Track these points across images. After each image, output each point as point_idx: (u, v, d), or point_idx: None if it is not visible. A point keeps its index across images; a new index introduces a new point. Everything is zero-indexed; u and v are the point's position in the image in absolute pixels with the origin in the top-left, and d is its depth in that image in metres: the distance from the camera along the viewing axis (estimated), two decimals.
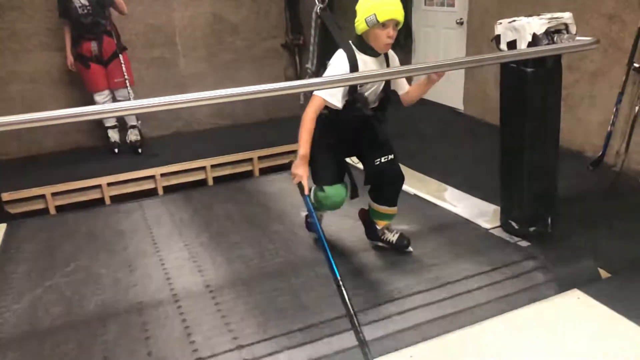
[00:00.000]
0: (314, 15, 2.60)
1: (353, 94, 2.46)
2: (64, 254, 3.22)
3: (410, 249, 2.88)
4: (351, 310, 2.04)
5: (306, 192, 2.32)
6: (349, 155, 2.74)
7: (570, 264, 2.75)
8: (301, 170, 2.33)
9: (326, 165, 2.57)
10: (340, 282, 2.10)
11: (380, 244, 2.93)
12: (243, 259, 3.01)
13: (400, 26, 2.39)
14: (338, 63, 2.42)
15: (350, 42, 2.45)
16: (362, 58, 2.43)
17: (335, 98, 2.42)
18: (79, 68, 4.68)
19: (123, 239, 3.39)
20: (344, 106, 2.48)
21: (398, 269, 2.76)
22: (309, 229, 2.99)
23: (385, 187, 2.77)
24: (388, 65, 2.53)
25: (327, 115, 2.51)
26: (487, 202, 3.45)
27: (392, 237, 2.88)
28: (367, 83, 2.45)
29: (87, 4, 4.49)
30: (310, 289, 2.61)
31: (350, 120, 2.54)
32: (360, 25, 2.36)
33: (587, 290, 2.52)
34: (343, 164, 2.66)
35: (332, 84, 2.34)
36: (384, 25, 2.32)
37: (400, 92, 2.63)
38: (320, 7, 2.54)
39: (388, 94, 2.58)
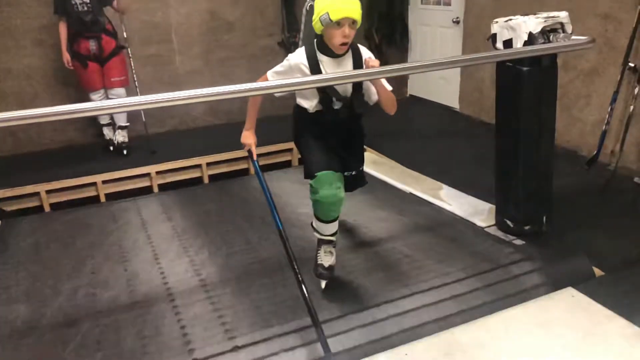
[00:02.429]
0: (304, 11, 2.57)
1: (323, 90, 2.38)
2: (58, 251, 3.21)
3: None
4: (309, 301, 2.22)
5: (254, 157, 2.62)
6: (338, 150, 2.56)
7: (564, 263, 2.76)
8: (249, 139, 2.62)
9: (315, 154, 2.45)
10: (284, 235, 2.33)
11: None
12: (238, 256, 3.01)
13: (358, 25, 2.27)
14: (289, 58, 2.38)
15: (315, 41, 2.38)
16: (320, 58, 2.34)
17: (274, 78, 2.40)
18: (76, 67, 4.62)
19: (118, 236, 3.38)
20: (321, 102, 2.42)
21: (392, 267, 2.76)
22: (317, 275, 2.58)
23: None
24: (358, 66, 2.38)
25: (306, 111, 2.47)
26: (483, 201, 3.46)
27: None
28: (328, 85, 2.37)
29: (87, 0, 4.44)
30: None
31: (326, 120, 2.45)
32: (316, 24, 2.27)
33: (581, 289, 2.54)
34: (336, 155, 2.49)
35: (318, 83, 2.31)
36: (338, 24, 2.21)
37: (374, 98, 2.47)
38: (310, 4, 2.50)
39: (357, 97, 2.43)
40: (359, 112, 2.47)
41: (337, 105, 2.40)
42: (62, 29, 4.55)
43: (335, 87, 2.37)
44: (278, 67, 2.41)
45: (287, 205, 3.59)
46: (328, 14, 2.19)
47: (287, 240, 2.42)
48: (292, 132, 2.64)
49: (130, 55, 4.77)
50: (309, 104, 2.43)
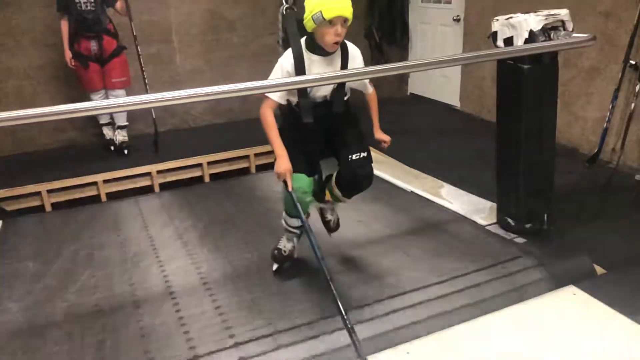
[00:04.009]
0: (280, 17, 2.54)
1: (300, 97, 2.39)
2: (59, 251, 3.21)
3: (332, 235, 2.89)
4: (340, 306, 2.12)
5: (289, 188, 2.37)
6: (321, 155, 2.62)
7: (566, 261, 2.76)
8: (282, 168, 2.36)
9: (292, 155, 2.46)
10: (329, 278, 2.15)
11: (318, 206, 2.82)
12: (239, 255, 3.01)
13: (349, 23, 2.29)
14: (279, 62, 2.39)
15: (302, 40, 2.38)
16: (309, 57, 2.35)
17: (276, 95, 2.40)
18: (77, 67, 4.59)
19: (119, 235, 3.38)
20: (298, 103, 2.43)
21: (393, 265, 2.76)
22: (272, 257, 2.77)
23: (352, 184, 2.58)
24: (345, 64, 2.41)
25: (288, 111, 2.49)
26: (484, 199, 3.46)
27: (330, 216, 2.86)
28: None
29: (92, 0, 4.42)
30: (306, 285, 2.61)
31: (310, 116, 2.45)
32: (308, 23, 2.27)
33: (582, 287, 2.53)
34: (314, 161, 2.56)
35: (318, 81, 2.32)
36: (331, 22, 2.23)
37: (365, 91, 2.60)
38: (286, 8, 2.49)
39: (343, 91, 2.47)
40: (337, 110, 2.48)
41: (317, 103, 2.45)
42: (64, 27, 4.50)
43: (317, 94, 2.42)
44: (271, 76, 2.41)
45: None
46: (321, 13, 2.20)
47: (334, 286, 2.24)
48: (279, 129, 2.64)
49: (139, 53, 4.74)
50: (292, 99, 2.46)
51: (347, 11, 2.24)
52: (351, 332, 2.10)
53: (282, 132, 2.52)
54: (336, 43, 2.30)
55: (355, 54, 2.46)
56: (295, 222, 2.68)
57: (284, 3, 2.50)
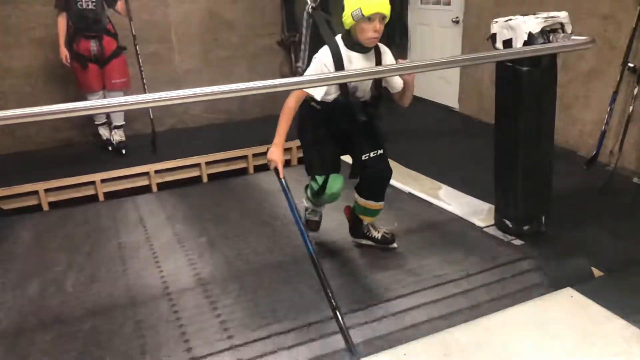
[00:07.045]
0: (305, 15, 2.60)
1: (343, 90, 2.46)
2: (57, 250, 3.21)
3: (395, 245, 2.90)
4: (333, 302, 2.17)
5: (281, 175, 2.43)
6: (342, 148, 2.72)
7: (563, 263, 2.76)
8: (276, 156, 2.43)
9: (320, 156, 2.60)
10: (323, 274, 2.22)
11: (364, 241, 2.94)
12: (237, 256, 3.00)
13: (387, 20, 2.38)
14: (318, 58, 2.44)
15: (337, 38, 2.45)
16: (347, 54, 2.42)
17: (316, 90, 2.44)
18: (76, 67, 4.54)
19: (117, 235, 3.37)
20: (335, 100, 2.50)
21: (390, 267, 2.76)
22: (309, 229, 2.94)
23: (372, 182, 2.71)
24: (379, 61, 2.51)
25: (319, 108, 2.53)
26: (482, 201, 3.46)
27: (377, 234, 2.90)
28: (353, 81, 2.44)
29: None
30: (305, 286, 2.60)
31: (342, 115, 2.54)
32: (347, 19, 2.37)
33: (580, 289, 2.53)
34: (337, 156, 2.68)
35: (324, 81, 2.34)
36: (369, 19, 2.31)
37: (392, 91, 2.63)
38: (311, 7, 2.55)
39: (379, 90, 2.57)
40: (372, 109, 2.60)
41: (355, 99, 2.53)
42: (62, 24, 4.43)
43: (357, 84, 2.48)
44: (311, 71, 2.44)
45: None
46: (360, 9, 2.29)
47: (318, 262, 2.33)
48: (298, 129, 2.67)
49: (138, 53, 4.72)
50: (329, 97, 2.49)
51: (386, 8, 2.33)
52: (343, 329, 2.12)
53: (305, 130, 2.61)
54: (374, 39, 2.38)
55: (385, 49, 2.55)
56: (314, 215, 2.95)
57: (309, 2, 2.56)
